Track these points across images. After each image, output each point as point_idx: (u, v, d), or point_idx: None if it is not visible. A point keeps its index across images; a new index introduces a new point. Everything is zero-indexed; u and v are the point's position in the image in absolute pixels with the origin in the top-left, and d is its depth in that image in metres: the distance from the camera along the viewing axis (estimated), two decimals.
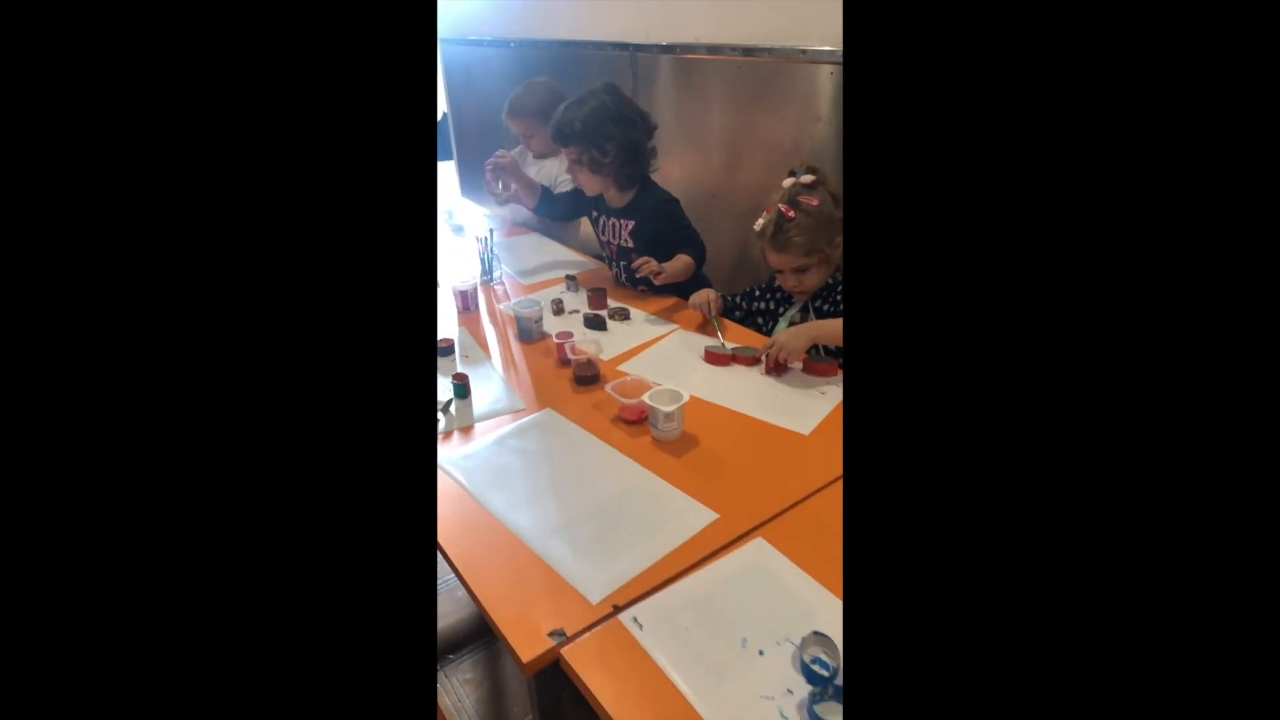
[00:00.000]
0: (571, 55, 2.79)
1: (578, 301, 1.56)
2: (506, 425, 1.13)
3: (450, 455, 1.06)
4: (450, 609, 1.62)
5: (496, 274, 1.71)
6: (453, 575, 0.87)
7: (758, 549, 0.84)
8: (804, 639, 0.70)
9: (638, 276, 1.50)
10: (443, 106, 5.14)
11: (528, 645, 0.74)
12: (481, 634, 1.55)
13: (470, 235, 2.04)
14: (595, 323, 1.44)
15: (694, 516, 0.90)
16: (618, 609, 0.77)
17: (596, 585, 0.80)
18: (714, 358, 1.29)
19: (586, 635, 0.74)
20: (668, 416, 1.03)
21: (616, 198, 1.64)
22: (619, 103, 1.55)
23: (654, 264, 1.47)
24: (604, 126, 1.52)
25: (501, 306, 1.58)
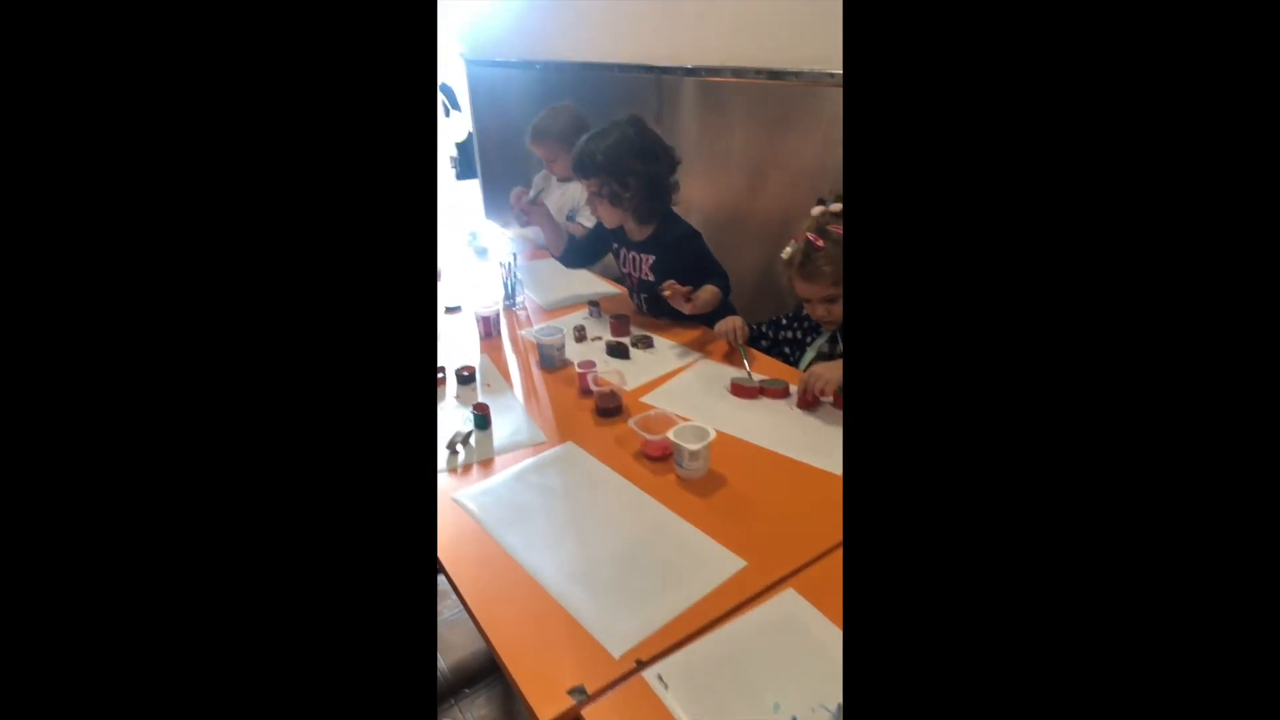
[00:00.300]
0: (596, 78, 2.79)
1: (600, 328, 1.54)
2: (526, 459, 1.09)
3: (468, 490, 1.03)
4: (464, 640, 1.59)
5: (519, 299, 1.69)
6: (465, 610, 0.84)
7: (789, 601, 0.80)
8: (840, 706, 0.66)
9: (664, 295, 1.46)
10: (468, 127, 5.20)
11: (546, 702, 0.70)
12: (497, 668, 1.51)
13: (493, 258, 2.04)
14: (618, 351, 1.41)
15: (721, 564, 0.86)
16: (641, 664, 0.73)
17: (618, 637, 0.76)
18: (741, 390, 1.25)
19: (608, 694, 0.70)
20: (693, 455, 1.00)
21: (637, 231, 1.62)
22: (642, 135, 1.53)
23: (680, 287, 1.43)
24: (626, 160, 1.50)
25: (523, 333, 1.55)
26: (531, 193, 2.15)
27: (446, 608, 1.66)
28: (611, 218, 1.60)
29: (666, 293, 1.44)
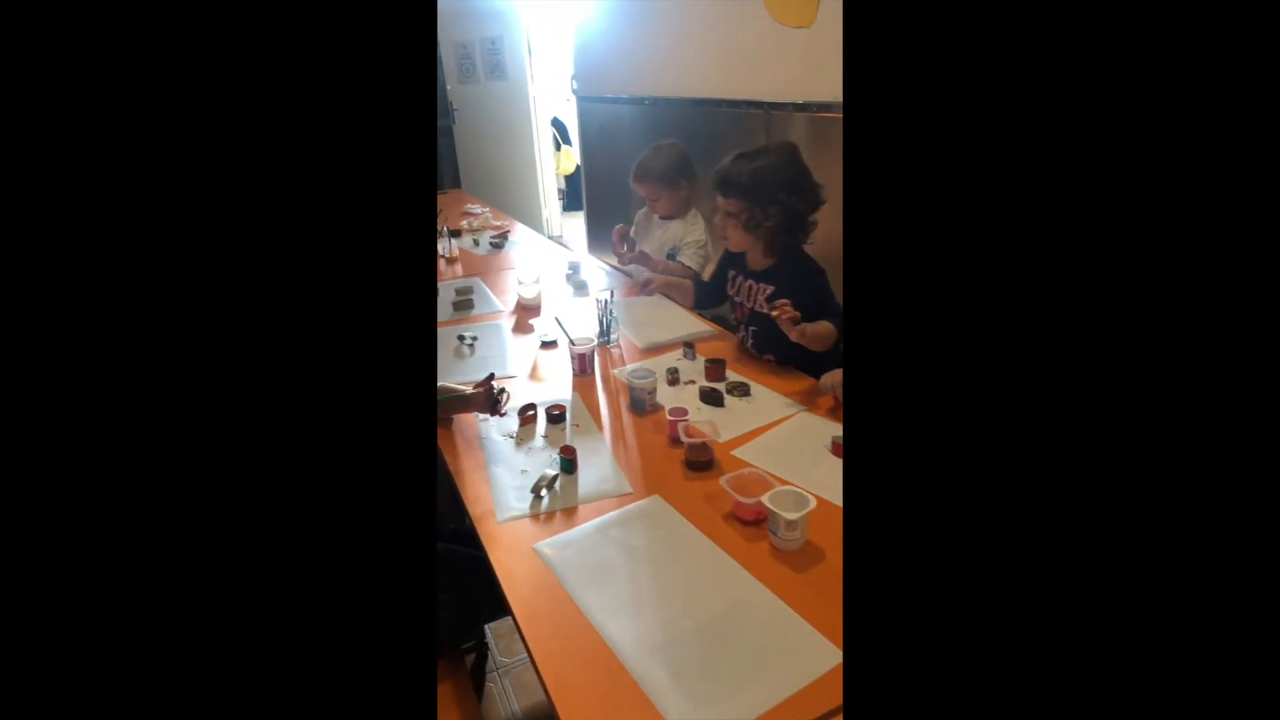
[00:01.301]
0: (705, 113, 2.78)
1: (694, 371, 1.48)
2: (611, 510, 1.05)
3: (549, 540, 0.99)
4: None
5: (614, 336, 1.66)
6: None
7: None
8: None
9: (772, 315, 1.36)
10: (577, 159, 5.34)
11: None
12: None
13: (592, 292, 2.03)
14: (712, 397, 1.35)
15: (816, 654, 0.77)
16: None
17: None
18: (843, 450, 1.15)
19: None
20: (789, 524, 0.91)
21: (761, 260, 1.55)
22: (793, 165, 1.46)
23: (792, 310, 1.34)
24: (772, 187, 1.43)
25: (615, 372, 1.52)
26: (631, 232, 2.14)
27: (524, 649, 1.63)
28: (739, 241, 1.54)
29: (775, 313, 1.35)
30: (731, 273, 1.64)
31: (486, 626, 1.52)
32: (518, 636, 1.63)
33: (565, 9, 3.96)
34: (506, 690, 1.54)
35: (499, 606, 1.20)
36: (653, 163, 1.99)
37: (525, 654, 1.60)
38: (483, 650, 1.50)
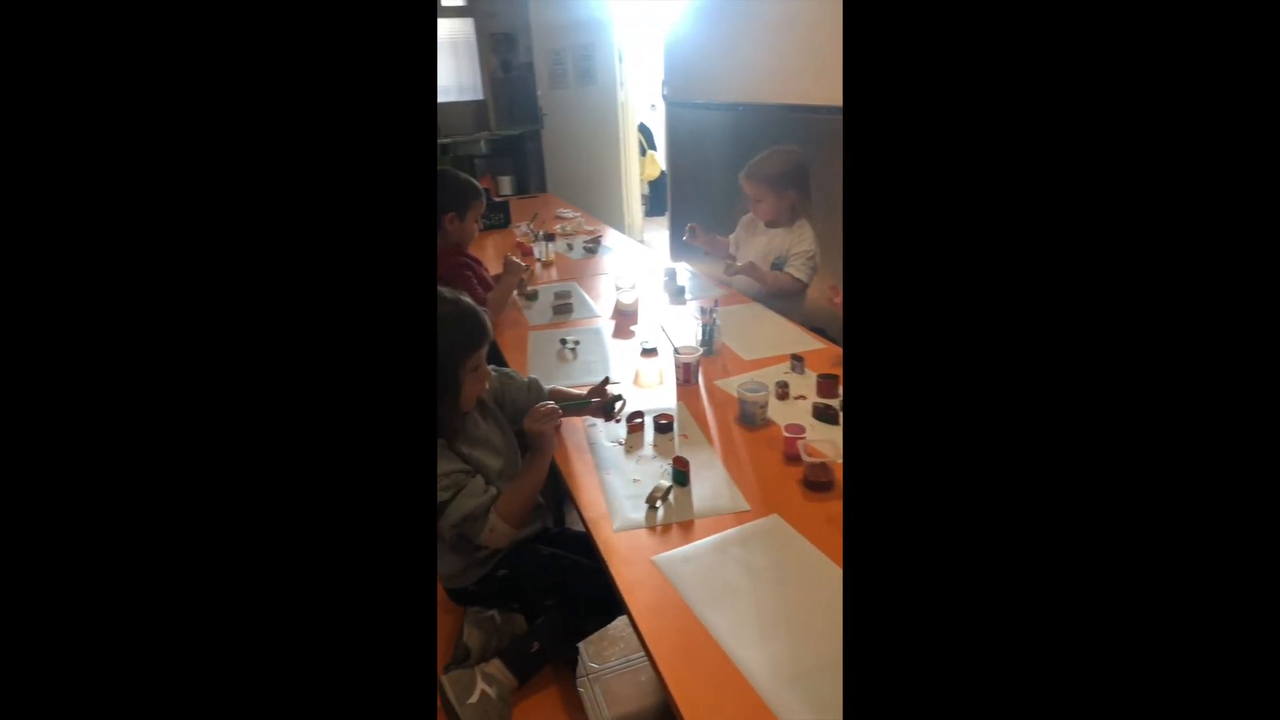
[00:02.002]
0: (797, 120, 2.72)
1: (804, 386, 1.44)
2: (729, 528, 1.02)
3: (669, 554, 0.98)
4: (632, 693, 1.54)
5: (717, 346, 1.64)
6: (642, 655, 0.77)
7: None
8: None
9: None
10: (662, 165, 5.35)
11: None
12: None
13: (689, 299, 2.02)
14: (826, 415, 1.31)
15: None
16: None
17: None
18: None
19: None
20: None
21: None
22: None
23: None
24: None
25: (719, 383, 1.50)
26: (730, 240, 2.12)
27: (616, 654, 1.63)
28: None
29: None
30: None
31: None
32: (608, 644, 1.63)
33: (657, 15, 3.97)
34: (597, 697, 1.53)
35: (605, 614, 1.20)
36: (766, 164, 1.96)
37: (615, 662, 1.60)
38: (574, 655, 1.50)
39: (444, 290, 1.08)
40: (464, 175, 1.89)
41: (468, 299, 1.09)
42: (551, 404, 1.14)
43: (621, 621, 1.33)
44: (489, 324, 1.11)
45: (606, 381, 1.29)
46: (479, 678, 1.01)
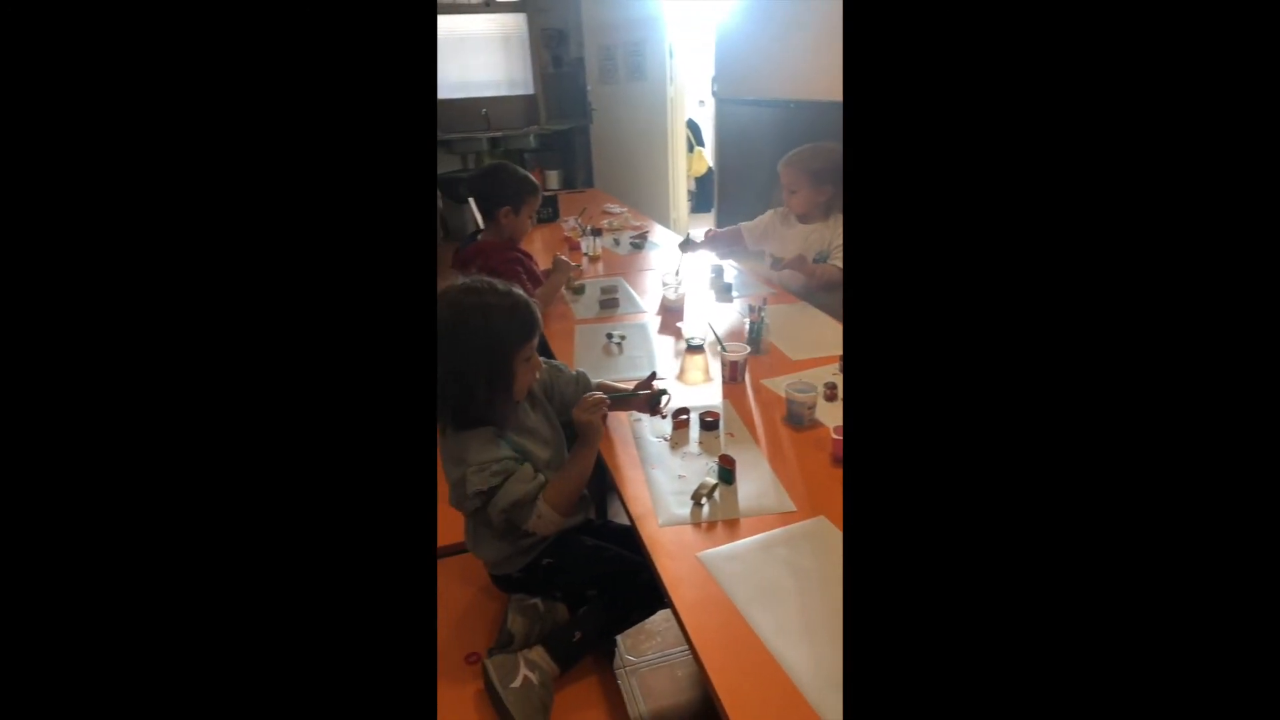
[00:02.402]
0: None
1: None
2: (775, 528, 1.02)
3: (714, 551, 0.98)
4: (668, 688, 1.54)
5: (765, 345, 1.63)
6: (686, 649, 0.78)
7: None
8: None
9: None
10: (709, 161, 5.33)
11: None
12: None
13: (735, 296, 2.01)
14: None
15: None
16: None
17: None
18: None
19: None
20: None
21: None
22: None
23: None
24: None
25: (767, 383, 1.49)
26: (749, 229, 2.11)
27: (653, 648, 1.64)
28: None
29: None
30: None
31: None
32: (645, 637, 1.64)
33: (709, 12, 3.95)
34: (634, 690, 1.55)
35: (647, 608, 1.21)
36: (809, 157, 1.93)
37: (652, 656, 1.61)
38: (611, 647, 1.51)
39: (497, 282, 1.10)
40: (522, 171, 1.92)
41: (520, 290, 1.11)
42: (599, 394, 1.15)
43: (659, 616, 1.34)
44: (539, 315, 1.12)
45: (653, 376, 1.30)
46: (522, 663, 1.03)
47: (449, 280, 1.11)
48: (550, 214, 3.02)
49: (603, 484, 1.82)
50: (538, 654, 1.06)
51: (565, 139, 5.30)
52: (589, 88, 4.88)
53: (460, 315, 1.04)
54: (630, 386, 1.31)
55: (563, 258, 1.99)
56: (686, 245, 2.24)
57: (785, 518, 1.04)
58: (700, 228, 5.17)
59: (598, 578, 1.17)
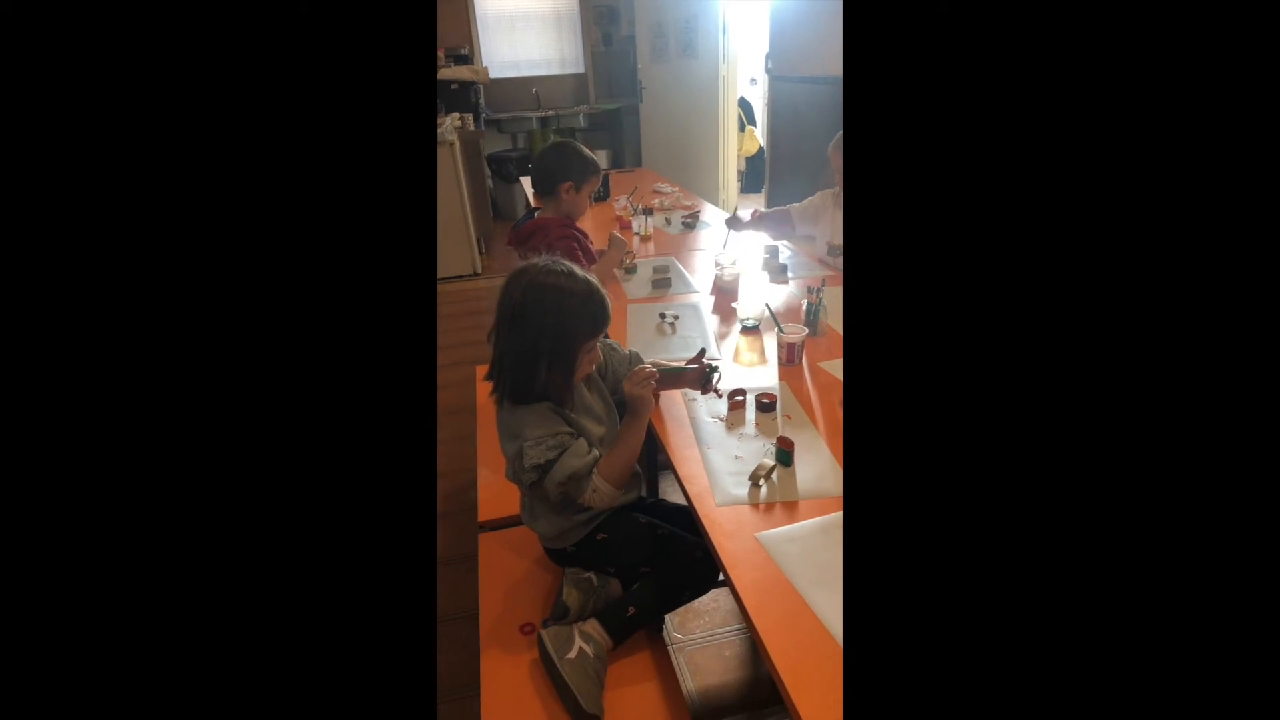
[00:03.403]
0: None
1: None
2: (833, 511, 1.01)
3: (772, 532, 0.97)
4: (716, 666, 1.55)
5: (822, 327, 1.60)
6: (734, 629, 0.78)
7: None
8: None
9: None
10: (760, 140, 5.24)
11: None
12: (747, 705, 1.45)
13: (790, 277, 1.98)
14: None
15: None
16: None
17: None
18: None
19: None
20: None
21: None
22: None
23: None
24: None
25: (824, 365, 1.46)
26: (799, 210, 2.07)
27: (701, 627, 1.65)
28: None
29: None
30: None
31: None
32: (694, 616, 1.65)
33: None
34: (682, 667, 1.56)
35: (700, 587, 1.22)
36: None
37: (700, 635, 1.62)
38: (659, 625, 1.53)
39: (576, 268, 1.09)
40: (586, 150, 1.92)
41: (598, 282, 1.11)
42: (649, 367, 1.15)
43: (707, 596, 1.34)
44: (610, 309, 1.12)
45: (703, 353, 1.29)
46: (577, 635, 1.05)
47: (505, 257, 1.11)
48: (602, 193, 3.02)
49: (654, 463, 1.83)
50: (592, 627, 1.08)
51: (615, 118, 5.27)
52: (639, 66, 4.83)
53: (536, 296, 1.04)
54: (682, 365, 1.30)
55: (619, 235, 1.99)
56: (733, 223, 2.22)
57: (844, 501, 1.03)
58: (749, 208, 5.11)
59: (651, 554, 1.18)
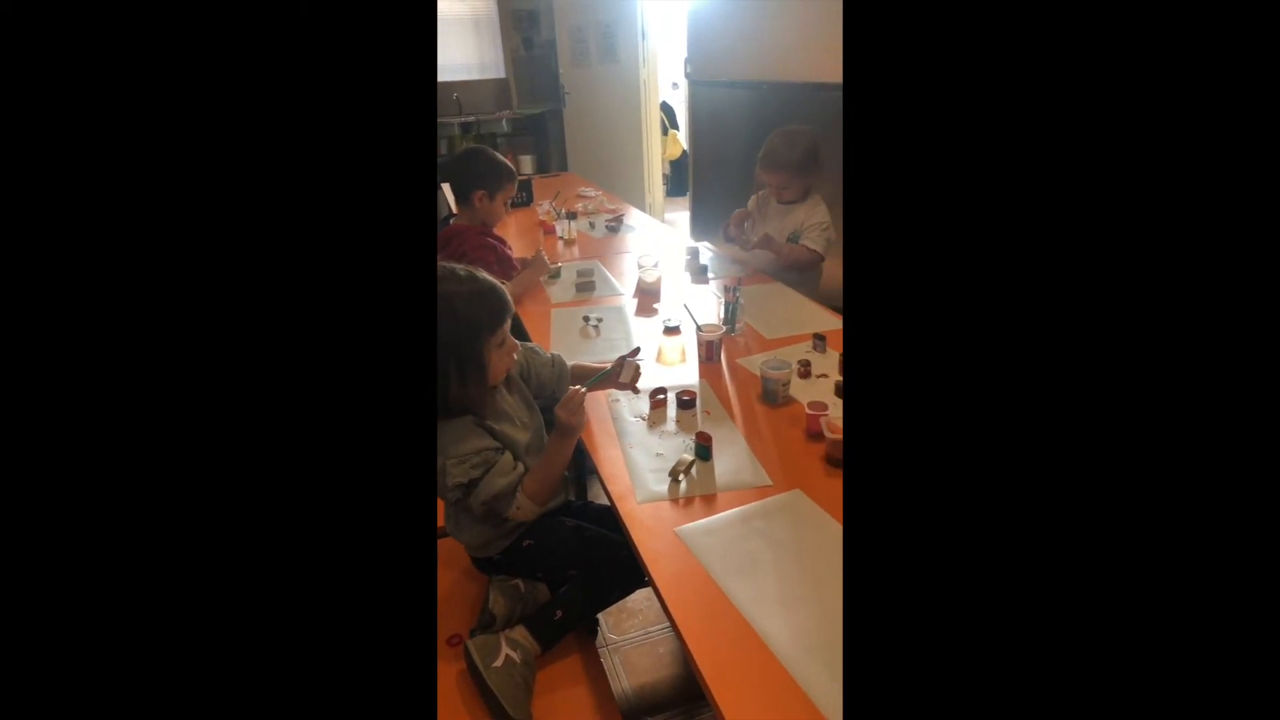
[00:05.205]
0: (825, 98, 2.69)
1: (827, 365, 1.44)
2: (751, 502, 1.04)
3: (692, 525, 0.99)
4: (650, 664, 1.57)
5: (739, 325, 1.64)
6: (667, 627, 0.79)
7: None
8: None
9: None
10: (684, 144, 5.31)
11: None
12: (681, 701, 1.47)
13: (711, 278, 2.02)
14: None
15: None
16: None
17: None
18: None
19: None
20: None
21: None
22: None
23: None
24: None
25: (742, 361, 1.50)
26: (738, 217, 2.11)
27: (635, 626, 1.66)
28: None
29: None
30: None
31: None
32: (628, 615, 1.66)
33: None
34: (616, 667, 1.56)
35: (627, 585, 1.22)
36: (786, 151, 1.93)
37: (635, 634, 1.63)
38: (593, 626, 1.53)
39: (458, 268, 1.08)
40: (499, 156, 1.90)
41: (485, 274, 1.09)
42: (582, 390, 1.13)
43: (641, 595, 1.35)
44: (509, 299, 1.11)
45: (636, 352, 1.29)
46: (504, 643, 1.04)
47: None
48: (524, 198, 3.00)
49: (583, 466, 1.83)
50: (519, 633, 1.07)
51: (538, 123, 5.24)
52: (561, 70, 4.83)
53: None
54: (606, 367, 1.31)
55: (542, 253, 1.98)
56: (728, 239, 2.19)
57: (761, 492, 1.06)
58: (677, 211, 5.17)
59: (578, 558, 1.18)
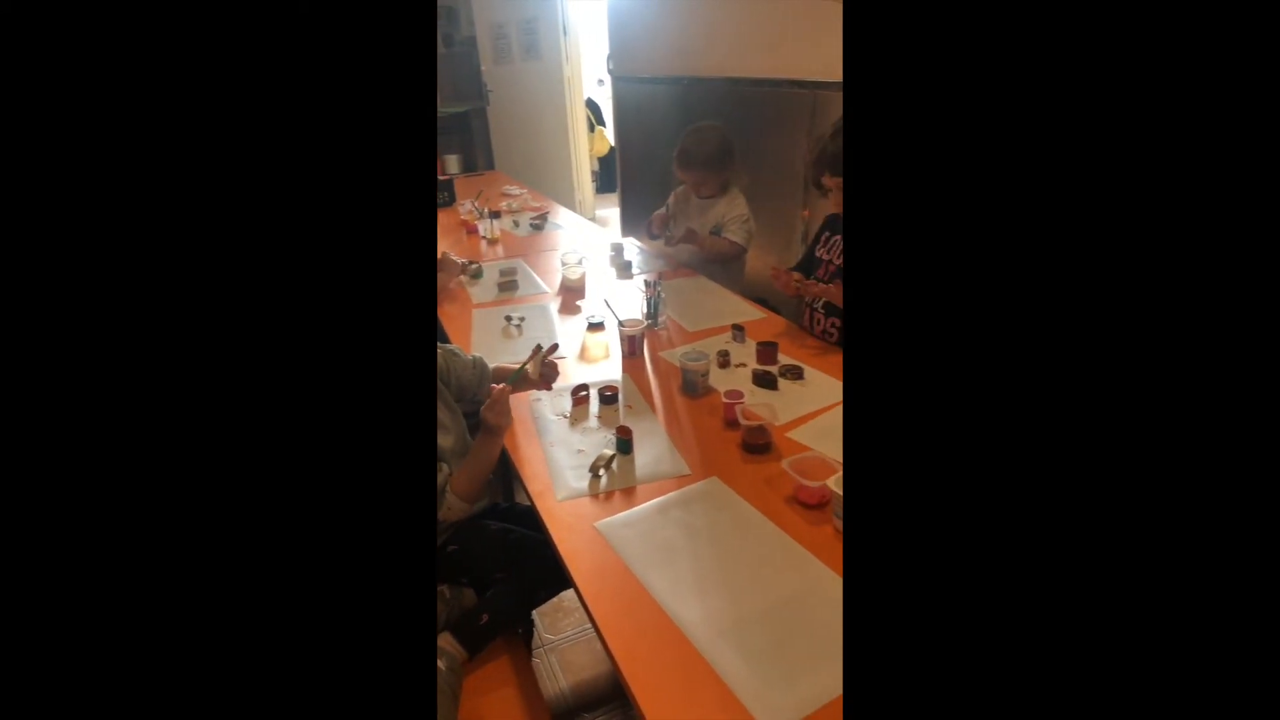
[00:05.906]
0: (745, 93, 2.74)
1: (745, 355, 1.47)
2: (670, 491, 1.05)
3: (611, 520, 1.00)
4: (587, 661, 1.57)
5: (662, 319, 1.66)
6: (591, 628, 0.80)
7: None
8: None
9: None
10: (611, 141, 5.31)
11: None
12: (619, 695, 1.48)
13: (636, 273, 2.03)
14: (765, 380, 1.34)
15: None
16: None
17: (771, 711, 0.69)
18: None
19: None
20: None
21: None
22: None
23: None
24: None
25: (664, 354, 1.52)
26: (659, 215, 2.13)
27: (570, 625, 1.65)
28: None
29: None
30: (826, 233, 1.66)
31: None
32: (563, 614, 1.66)
33: None
34: (553, 667, 1.56)
35: (555, 585, 1.22)
36: (698, 149, 1.96)
37: (570, 632, 1.62)
38: (529, 628, 1.52)
39: None
40: None
41: None
42: (505, 387, 1.12)
43: (573, 592, 1.36)
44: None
45: (554, 348, 1.28)
46: None
47: None
48: (447, 199, 2.94)
49: (508, 468, 1.81)
50: (445, 640, 1.05)
51: (462, 121, 5.13)
52: (483, 68, 4.74)
53: None
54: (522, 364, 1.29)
55: (451, 256, 1.96)
56: (651, 237, 2.19)
57: (680, 481, 1.07)
58: (607, 208, 5.16)
59: (504, 560, 1.17)
